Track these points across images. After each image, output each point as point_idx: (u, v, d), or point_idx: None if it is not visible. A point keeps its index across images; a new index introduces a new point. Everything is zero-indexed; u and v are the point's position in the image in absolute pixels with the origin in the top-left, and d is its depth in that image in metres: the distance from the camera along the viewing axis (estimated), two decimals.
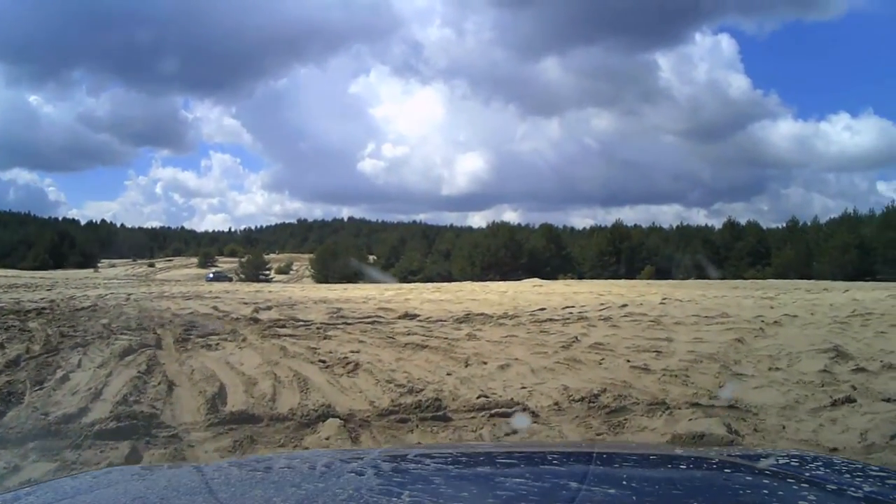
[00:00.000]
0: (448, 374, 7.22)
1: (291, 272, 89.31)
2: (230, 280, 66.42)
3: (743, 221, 75.76)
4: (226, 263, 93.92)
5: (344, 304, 19.32)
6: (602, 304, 18.84)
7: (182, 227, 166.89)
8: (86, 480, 1.64)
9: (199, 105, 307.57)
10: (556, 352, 8.93)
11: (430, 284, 44.41)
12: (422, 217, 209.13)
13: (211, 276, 69.63)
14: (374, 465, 1.62)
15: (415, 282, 56.47)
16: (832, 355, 8.18)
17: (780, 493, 1.40)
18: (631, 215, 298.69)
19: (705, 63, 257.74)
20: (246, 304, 18.86)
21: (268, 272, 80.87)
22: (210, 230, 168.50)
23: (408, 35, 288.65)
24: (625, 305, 17.87)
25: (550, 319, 13.71)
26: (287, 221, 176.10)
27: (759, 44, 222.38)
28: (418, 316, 14.52)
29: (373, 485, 1.42)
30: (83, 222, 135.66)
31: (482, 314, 14.89)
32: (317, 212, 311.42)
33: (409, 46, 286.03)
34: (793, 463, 1.68)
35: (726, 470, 1.63)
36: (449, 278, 60.98)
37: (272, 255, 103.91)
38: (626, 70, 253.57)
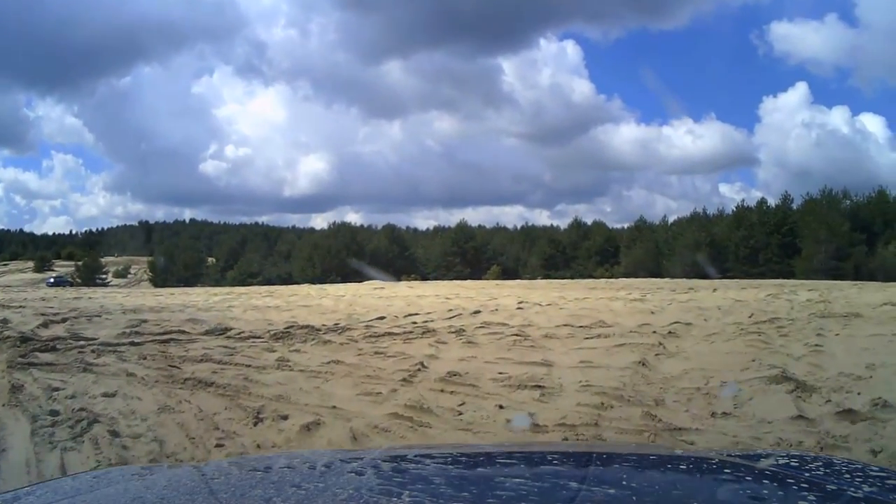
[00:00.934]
0: (218, 444, 5.68)
1: (130, 276, 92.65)
2: (72, 284, 66.49)
3: (588, 222, 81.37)
4: (64, 267, 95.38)
5: (155, 313, 17.93)
6: (451, 309, 18.23)
7: (21, 230, 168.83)
8: (86, 480, 1.74)
9: (40, 103, 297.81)
10: (393, 390, 7.51)
11: (264, 288, 44.16)
12: (264, 219, 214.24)
13: (52, 280, 71.42)
14: (374, 465, 1.75)
15: (254, 284, 58.88)
16: (788, 386, 6.96)
17: (780, 493, 1.54)
18: (474, 216, 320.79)
19: (549, 68, 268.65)
20: (41, 315, 16.59)
21: (105, 276, 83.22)
22: (52, 233, 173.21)
23: (252, 35, 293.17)
24: (478, 312, 17.13)
25: (389, 333, 12.63)
26: (129, 223, 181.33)
27: (604, 50, 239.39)
28: (230, 330, 13.07)
29: (373, 485, 1.55)
30: None
31: (308, 326, 13.63)
32: (159, 213, 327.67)
33: (252, 47, 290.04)
34: (793, 463, 1.84)
35: (726, 470, 1.76)
36: (290, 280, 63.57)
37: (111, 258, 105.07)
38: (469, 74, 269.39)
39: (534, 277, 61.82)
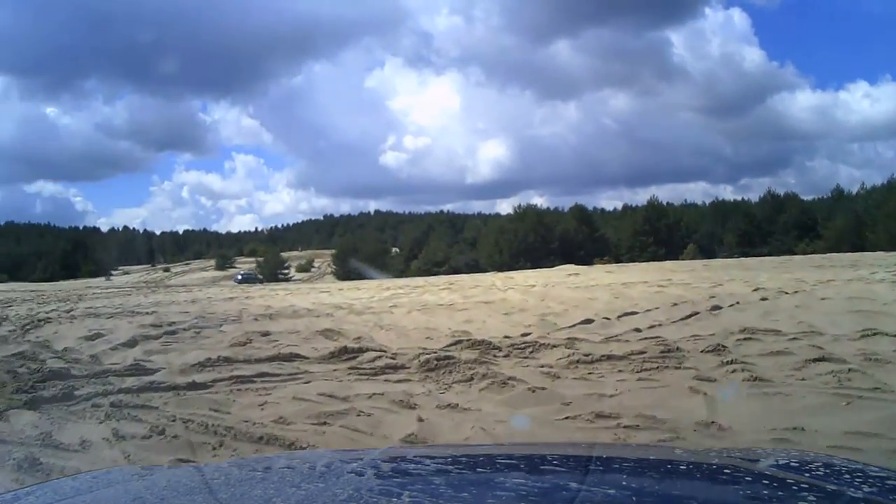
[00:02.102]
0: None
1: (313, 269, 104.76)
2: (260, 281, 75.78)
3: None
4: (245, 264, 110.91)
5: (289, 319, 17.86)
6: (675, 304, 15.95)
7: (205, 229, 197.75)
8: (86, 480, 1.92)
9: (215, 107, 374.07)
10: None
11: (444, 279, 45.11)
12: (449, 207, 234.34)
13: (240, 277, 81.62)
14: (374, 465, 1.91)
15: (440, 273, 63.31)
16: None
17: (780, 493, 1.64)
18: (658, 194, 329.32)
19: (717, 37, 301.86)
20: (154, 326, 16.33)
21: (286, 271, 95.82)
22: (239, 231, 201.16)
23: (416, 26, 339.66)
24: (717, 308, 14.58)
25: (610, 357, 9.29)
26: (314, 218, 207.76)
27: (771, 15, 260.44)
28: (363, 352, 10.46)
29: (373, 485, 1.69)
30: (109, 230, 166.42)
31: (482, 343, 10.64)
32: (344, 207, 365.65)
33: (419, 37, 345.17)
34: (793, 463, 1.99)
35: (726, 470, 1.89)
36: (476, 268, 67.74)
37: (293, 253, 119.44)
38: (638, 49, 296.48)
39: (730, 255, 62.17)
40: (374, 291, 30.67)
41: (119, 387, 8.33)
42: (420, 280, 45.16)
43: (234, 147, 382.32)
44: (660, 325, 12.68)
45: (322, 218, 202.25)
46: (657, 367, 8.57)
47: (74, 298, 34.47)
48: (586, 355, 9.32)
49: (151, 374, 9.35)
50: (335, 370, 9.45)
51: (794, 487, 1.62)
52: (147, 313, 21.26)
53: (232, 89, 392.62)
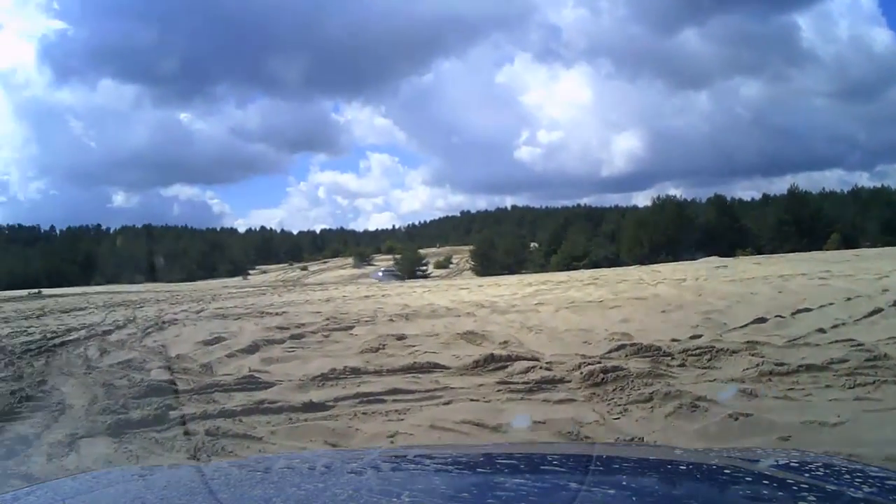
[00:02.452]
0: None
1: (451, 266, 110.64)
2: (400, 277, 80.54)
3: None
4: (384, 261, 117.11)
5: (427, 320, 17.81)
6: (848, 297, 15.14)
7: (341, 228, 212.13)
8: (86, 480, 2.05)
9: (347, 108, 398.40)
10: None
11: (588, 273, 45.79)
12: (585, 200, 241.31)
13: (380, 274, 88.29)
14: (374, 465, 2.00)
15: (579, 268, 65.91)
16: None
17: (780, 493, 1.71)
18: (794, 183, 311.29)
19: (845, 20, 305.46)
20: (280, 329, 16.94)
21: (425, 267, 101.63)
22: (377, 229, 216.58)
23: (543, 20, 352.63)
24: None
25: (807, 367, 8.43)
26: (451, 214, 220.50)
27: None
28: (511, 361, 9.81)
29: (373, 485, 1.77)
30: (246, 231, 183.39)
31: (651, 349, 10.03)
32: (480, 203, 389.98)
33: (546, 31, 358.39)
34: (793, 463, 2.08)
35: (726, 470, 1.98)
36: (616, 262, 71.76)
37: (432, 250, 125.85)
38: (766, 35, 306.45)
39: (873, 245, 63.94)
40: (516, 287, 30.92)
41: (223, 407, 7.90)
42: (562, 275, 45.91)
43: (368, 146, 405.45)
44: (843, 323, 12.01)
45: (459, 214, 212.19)
46: (873, 382, 7.57)
47: (208, 298, 36.27)
48: (779, 364, 8.45)
49: (264, 388, 9.09)
50: (481, 385, 8.56)
51: (794, 487, 1.70)
52: (276, 314, 22.13)
53: (363, 89, 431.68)
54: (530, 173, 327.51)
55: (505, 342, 12.26)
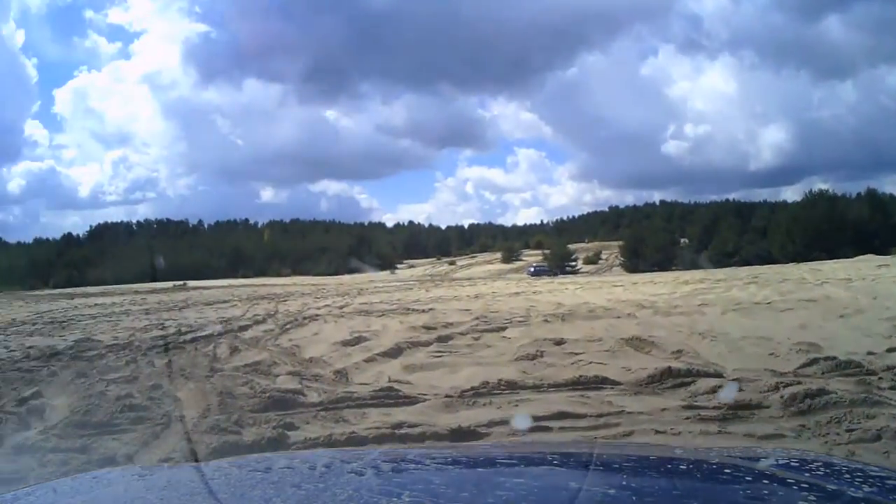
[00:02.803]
0: None
1: (600, 261, 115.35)
2: (552, 273, 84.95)
3: None
4: (532, 256, 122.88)
5: (598, 317, 17.95)
6: None
7: (489, 223, 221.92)
8: (86, 480, 2.16)
9: (493, 103, 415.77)
10: None
11: (745, 270, 47.33)
12: (733, 196, 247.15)
13: (532, 269, 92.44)
14: (374, 465, 2.09)
15: (731, 265, 69.52)
16: None
17: (780, 493, 1.83)
18: None
19: None
20: (426, 329, 17.11)
21: (574, 263, 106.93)
22: (525, 224, 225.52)
23: (684, 10, 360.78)
24: None
25: None
26: (599, 209, 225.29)
27: None
28: (695, 377, 9.34)
29: (373, 485, 1.86)
30: (394, 225, 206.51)
31: (851, 366, 9.58)
32: (628, 198, 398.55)
33: (688, 21, 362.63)
34: (793, 463, 2.17)
35: (726, 470, 2.09)
36: (768, 259, 74.46)
37: (580, 245, 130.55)
38: None
39: None
40: (673, 285, 31.07)
41: (353, 430, 7.42)
42: (719, 273, 46.31)
43: (514, 141, 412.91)
44: None
45: (607, 209, 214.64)
46: None
47: (353, 293, 37.02)
48: None
49: (405, 405, 8.64)
50: (664, 410, 7.86)
51: (794, 487, 1.79)
52: (423, 311, 22.53)
53: (508, 84, 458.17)
54: (677, 168, 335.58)
55: (678, 351, 11.73)
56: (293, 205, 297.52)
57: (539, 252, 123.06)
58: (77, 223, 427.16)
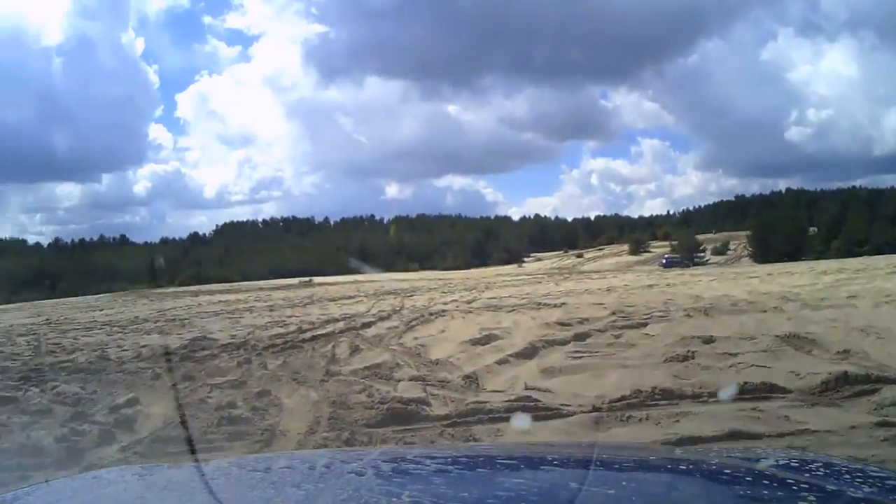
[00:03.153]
0: None
1: (728, 252, 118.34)
2: (685, 265, 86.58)
3: None
4: (660, 248, 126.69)
5: (743, 311, 17.44)
6: None
7: (616, 214, 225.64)
8: (86, 480, 2.29)
9: (615, 93, 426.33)
10: None
11: (882, 258, 47.07)
12: (859, 182, 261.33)
13: (664, 261, 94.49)
14: (374, 465, 2.18)
15: (861, 255, 71.50)
16: None
17: (780, 493, 1.89)
18: None
19: None
20: (561, 325, 16.95)
21: (702, 254, 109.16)
22: (651, 215, 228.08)
23: None
24: None
25: None
26: (724, 199, 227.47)
27: None
28: (878, 384, 8.79)
29: (373, 485, 1.93)
30: (520, 218, 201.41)
31: None
32: (753, 187, 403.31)
33: (805, 3, 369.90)
34: (793, 463, 2.26)
35: (726, 470, 2.15)
36: None
37: (708, 235, 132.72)
38: None
39: None
40: (811, 276, 30.63)
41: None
42: (854, 261, 47.01)
43: (638, 132, 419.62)
44: None
45: (733, 199, 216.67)
46: None
47: (481, 287, 37.20)
48: None
49: (545, 419, 7.91)
50: (852, 428, 7.10)
51: (794, 487, 1.85)
52: (555, 306, 22.41)
53: (629, 74, 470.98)
54: (802, 154, 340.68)
55: (845, 351, 11.11)
56: (419, 200, 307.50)
57: (666, 243, 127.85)
58: (203, 223, 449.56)
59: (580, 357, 12.17)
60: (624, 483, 1.95)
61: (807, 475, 1.99)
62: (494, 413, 8.09)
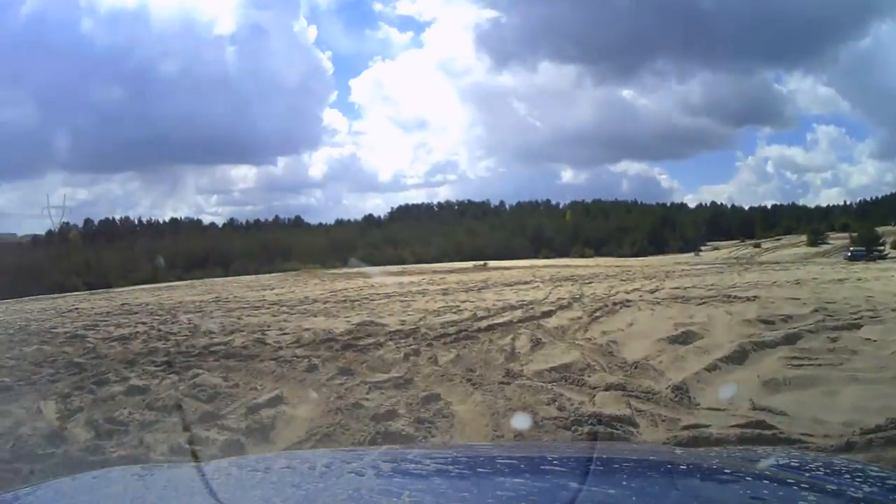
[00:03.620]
0: None
1: None
2: (872, 258, 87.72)
3: None
4: (839, 239, 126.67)
5: None
6: None
7: (792, 204, 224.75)
8: (86, 480, 2.30)
9: (789, 78, 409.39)
10: None
11: None
12: None
13: (850, 253, 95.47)
14: (374, 465, 2.24)
15: None
16: None
17: (780, 493, 2.03)
18: None
19: None
20: (763, 323, 16.04)
21: (882, 247, 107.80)
22: (827, 205, 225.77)
23: None
24: None
25: None
26: None
27: None
28: None
29: (373, 485, 2.00)
30: (696, 206, 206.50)
31: None
32: None
33: None
34: (793, 463, 2.46)
35: (726, 470, 2.31)
36: None
37: (888, 228, 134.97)
38: None
39: None
40: None
41: None
42: None
43: (813, 118, 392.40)
44: None
45: None
46: None
47: (661, 276, 36.54)
48: None
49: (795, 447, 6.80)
50: None
51: (794, 487, 1.96)
52: (747, 299, 21.76)
53: (803, 58, 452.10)
54: None
55: None
56: (594, 185, 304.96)
57: (844, 235, 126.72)
58: (379, 205, 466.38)
59: (800, 365, 11.01)
60: (624, 483, 2.07)
61: (807, 475, 2.10)
62: (723, 444, 6.89)
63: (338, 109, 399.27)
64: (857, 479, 2.00)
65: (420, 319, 18.58)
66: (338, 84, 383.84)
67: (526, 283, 34.71)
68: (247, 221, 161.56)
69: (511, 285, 32.91)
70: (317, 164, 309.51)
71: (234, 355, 13.48)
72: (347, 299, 27.67)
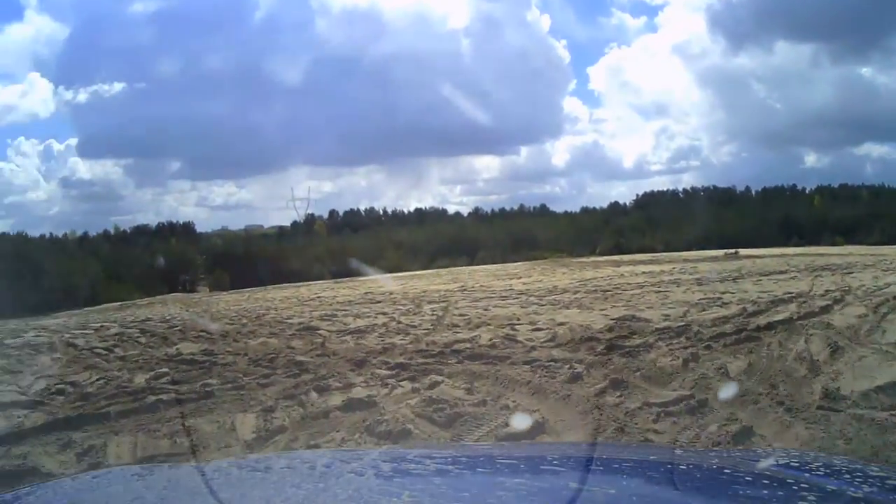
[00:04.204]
0: None
1: None
2: None
3: None
4: None
5: None
6: None
7: None
8: (86, 480, 2.36)
9: None
10: None
11: None
12: None
13: None
14: (374, 465, 2.30)
15: None
16: None
17: (780, 493, 2.10)
18: None
19: None
20: None
21: None
22: None
23: None
24: None
25: None
26: None
27: None
28: None
29: (373, 485, 2.09)
30: None
31: None
32: None
33: None
34: (793, 463, 2.52)
35: (726, 470, 2.41)
36: None
37: None
38: None
39: None
40: None
41: None
42: None
43: None
44: None
45: None
46: None
47: None
48: None
49: None
50: None
51: (794, 487, 2.03)
52: None
53: None
54: None
55: None
56: (837, 169, 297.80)
57: None
58: (623, 193, 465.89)
59: None
60: (624, 483, 2.14)
61: (807, 475, 2.15)
62: None
63: (577, 97, 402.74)
64: (857, 479, 2.07)
65: (684, 314, 17.63)
66: (575, 72, 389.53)
67: (781, 272, 33.32)
68: (492, 210, 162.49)
69: (767, 275, 31.56)
70: (559, 152, 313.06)
71: (481, 356, 12.70)
72: (598, 289, 27.18)
